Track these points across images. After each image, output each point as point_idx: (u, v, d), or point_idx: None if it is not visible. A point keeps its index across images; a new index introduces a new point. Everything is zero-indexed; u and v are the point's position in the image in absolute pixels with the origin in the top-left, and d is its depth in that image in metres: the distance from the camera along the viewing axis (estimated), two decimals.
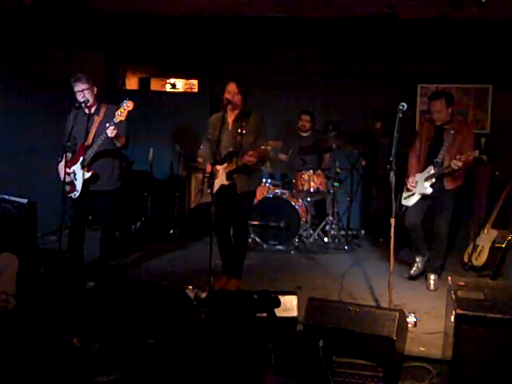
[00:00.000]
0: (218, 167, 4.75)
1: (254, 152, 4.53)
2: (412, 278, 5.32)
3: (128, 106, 4.57)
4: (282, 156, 6.92)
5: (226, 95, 4.70)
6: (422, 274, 5.35)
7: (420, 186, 5.08)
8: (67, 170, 4.80)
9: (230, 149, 4.71)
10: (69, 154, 4.83)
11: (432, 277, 5.14)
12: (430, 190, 5.00)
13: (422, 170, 5.11)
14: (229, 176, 4.74)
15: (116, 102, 4.94)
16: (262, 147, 4.53)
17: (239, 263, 5.02)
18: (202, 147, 5.14)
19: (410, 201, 5.15)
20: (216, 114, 5.04)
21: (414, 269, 5.34)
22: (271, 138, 5.92)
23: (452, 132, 4.95)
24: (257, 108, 5.69)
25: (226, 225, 4.98)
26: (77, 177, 4.80)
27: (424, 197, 5.09)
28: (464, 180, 5.12)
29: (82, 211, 5.02)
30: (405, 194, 5.21)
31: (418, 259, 5.34)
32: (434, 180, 4.99)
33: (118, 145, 4.83)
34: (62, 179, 4.82)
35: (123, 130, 4.79)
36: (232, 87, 4.69)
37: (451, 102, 4.99)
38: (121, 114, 4.56)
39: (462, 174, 5.01)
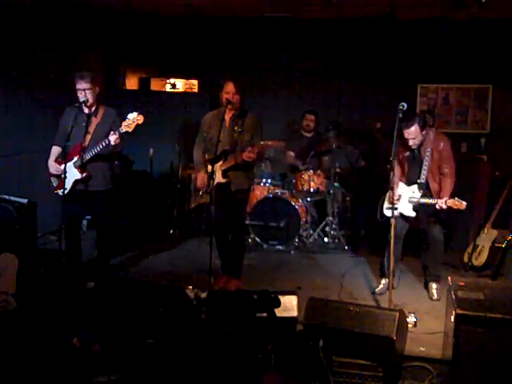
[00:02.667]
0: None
1: (254, 148, 4.55)
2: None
3: (138, 119, 4.49)
4: (290, 154, 6.86)
5: (226, 96, 4.72)
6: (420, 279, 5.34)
7: (403, 204, 4.82)
8: (58, 166, 4.82)
9: (226, 147, 4.74)
10: (56, 148, 4.90)
11: (434, 285, 4.98)
12: (413, 214, 4.78)
13: (407, 182, 4.88)
14: (225, 174, 4.76)
15: (116, 102, 4.93)
16: (262, 143, 4.55)
17: (238, 263, 5.02)
18: (194, 150, 5.05)
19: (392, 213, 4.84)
20: (211, 112, 5.06)
21: (379, 287, 5.05)
22: (272, 138, 5.92)
23: (429, 149, 4.76)
24: (257, 108, 5.71)
25: (223, 224, 4.96)
26: (67, 175, 4.68)
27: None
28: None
29: (75, 211, 4.96)
30: (387, 204, 4.90)
31: (383, 281, 5.04)
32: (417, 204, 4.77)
33: (115, 150, 4.78)
34: (52, 173, 4.86)
35: (123, 137, 4.76)
36: (230, 87, 4.71)
37: (424, 124, 4.76)
38: (128, 125, 4.48)
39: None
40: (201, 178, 4.84)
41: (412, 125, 4.68)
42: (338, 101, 7.55)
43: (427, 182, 4.81)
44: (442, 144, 4.82)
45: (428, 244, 5.04)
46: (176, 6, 6.84)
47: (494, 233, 5.60)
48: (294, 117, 7.26)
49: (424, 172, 4.78)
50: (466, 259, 5.67)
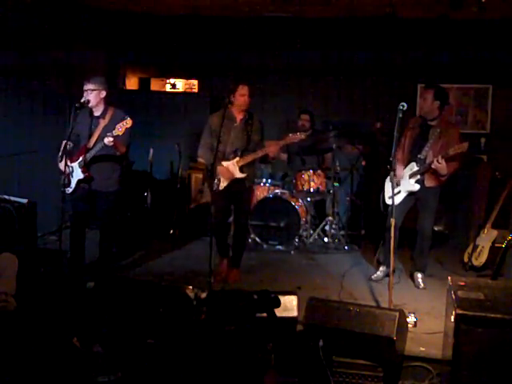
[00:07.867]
0: (225, 164, 5.02)
1: (278, 144, 5.13)
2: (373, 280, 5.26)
3: (126, 123, 4.61)
4: (283, 156, 6.92)
5: (241, 98, 4.96)
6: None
7: (405, 184, 5.01)
8: (68, 164, 4.88)
9: (239, 146, 5.05)
10: (64, 142, 4.93)
11: (419, 275, 5.14)
12: (417, 187, 4.95)
13: (405, 165, 5.04)
14: (241, 169, 5.04)
15: (116, 102, 4.94)
16: (294, 135, 5.09)
17: (240, 254, 5.28)
18: (200, 153, 5.20)
19: (396, 199, 4.92)
20: (216, 113, 5.17)
21: (376, 274, 5.26)
22: (272, 138, 5.92)
23: (438, 130, 4.94)
24: (256, 108, 5.70)
25: (226, 221, 5.42)
26: (73, 174, 4.89)
27: (409, 194, 5.02)
28: (446, 181, 5.01)
29: (82, 211, 5.04)
30: (388, 193, 5.11)
31: (382, 268, 5.27)
32: (418, 177, 4.95)
33: (118, 153, 4.89)
34: (62, 172, 4.89)
35: (125, 140, 4.84)
36: (245, 90, 4.99)
37: (439, 97, 4.93)
38: (119, 129, 4.61)
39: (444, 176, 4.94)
40: (224, 170, 5.03)
41: (430, 88, 4.96)
42: (337, 101, 7.55)
43: (425, 159, 4.93)
44: (452, 130, 5.02)
45: (416, 236, 5.15)
46: (176, 6, 6.84)
47: (494, 233, 5.59)
48: (293, 117, 7.26)
49: (426, 149, 4.93)
50: (466, 259, 5.67)
